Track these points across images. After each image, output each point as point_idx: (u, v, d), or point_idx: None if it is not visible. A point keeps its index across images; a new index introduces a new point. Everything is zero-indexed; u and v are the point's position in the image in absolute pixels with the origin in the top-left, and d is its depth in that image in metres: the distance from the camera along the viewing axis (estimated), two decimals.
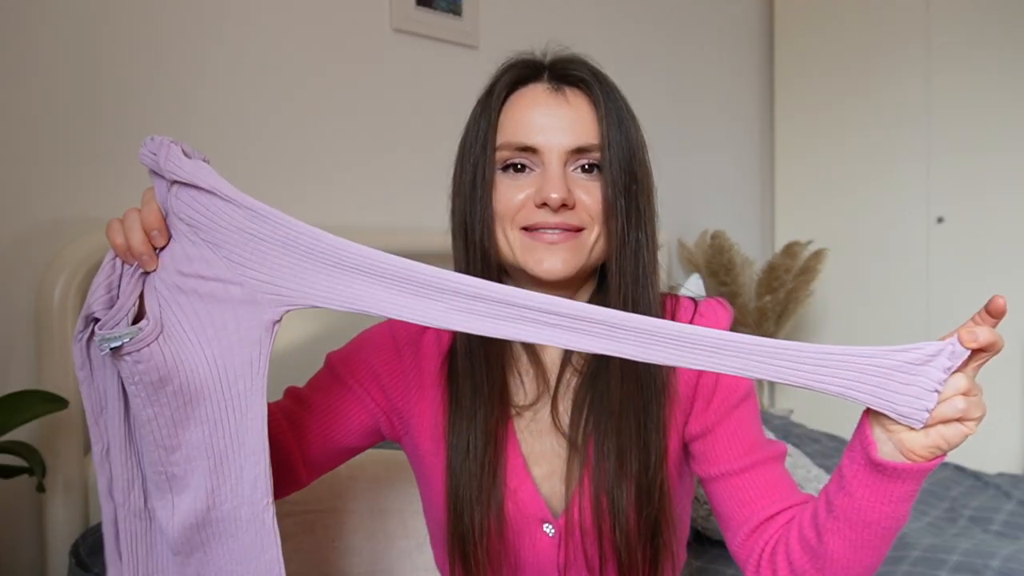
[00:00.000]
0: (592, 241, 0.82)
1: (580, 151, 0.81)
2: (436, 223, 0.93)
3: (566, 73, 0.83)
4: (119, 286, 0.65)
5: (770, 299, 2.52)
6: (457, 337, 0.85)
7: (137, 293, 0.65)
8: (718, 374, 0.85)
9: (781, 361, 0.63)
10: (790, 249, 2.56)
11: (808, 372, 0.63)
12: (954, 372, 0.63)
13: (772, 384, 2.99)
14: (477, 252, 0.82)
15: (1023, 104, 2.49)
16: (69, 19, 1.28)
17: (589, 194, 0.81)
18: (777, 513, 0.81)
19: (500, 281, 0.84)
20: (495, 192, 0.81)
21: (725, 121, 2.87)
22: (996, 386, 2.51)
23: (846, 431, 2.38)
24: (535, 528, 0.86)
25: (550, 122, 0.80)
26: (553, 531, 0.85)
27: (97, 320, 0.65)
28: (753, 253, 2.86)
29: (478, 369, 0.84)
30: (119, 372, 0.67)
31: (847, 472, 0.70)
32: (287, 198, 1.58)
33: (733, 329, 0.76)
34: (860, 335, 2.80)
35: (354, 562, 1.12)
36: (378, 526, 1.15)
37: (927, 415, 0.63)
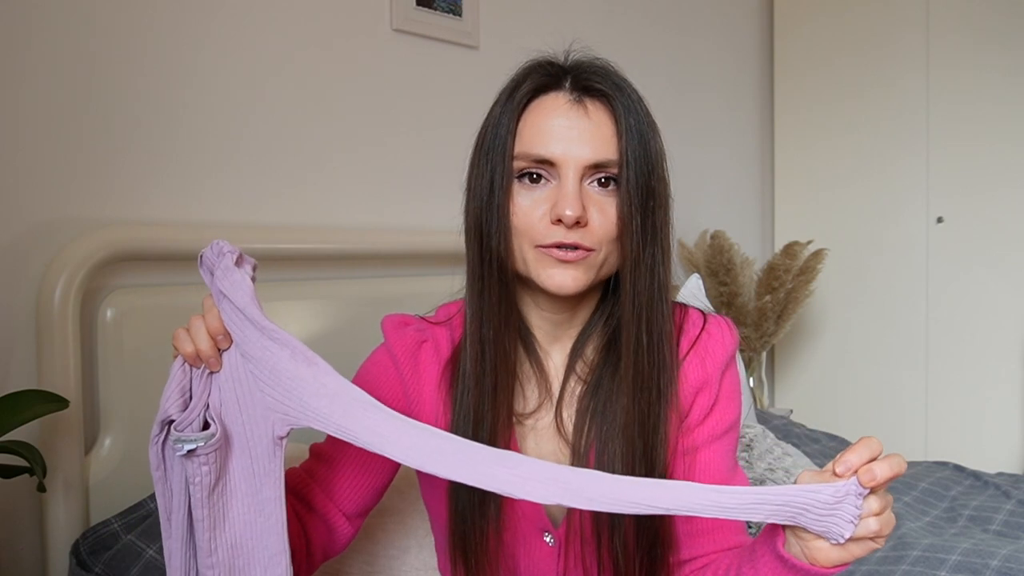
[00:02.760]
0: (602, 260, 0.81)
1: (598, 166, 0.80)
2: (436, 223, 0.93)
3: (588, 84, 0.82)
4: (191, 389, 0.72)
5: (770, 299, 2.52)
6: (468, 341, 0.85)
7: (207, 393, 0.72)
8: (718, 394, 0.87)
9: (706, 502, 0.65)
10: (790, 249, 2.56)
11: (733, 511, 0.64)
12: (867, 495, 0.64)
13: (772, 383, 3.00)
14: (494, 263, 0.82)
15: (1023, 102, 2.49)
16: (67, 19, 1.28)
17: (603, 212, 0.80)
18: (713, 552, 0.84)
19: (513, 291, 0.85)
20: (512, 204, 0.81)
21: (725, 120, 2.87)
22: (996, 386, 2.53)
23: (846, 431, 2.39)
24: (535, 536, 0.86)
25: (569, 134, 0.79)
26: (553, 540, 0.86)
27: (172, 422, 0.71)
28: (753, 253, 2.86)
29: (488, 374, 0.83)
30: (185, 473, 0.72)
31: (758, 550, 0.73)
32: (286, 198, 1.58)
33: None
34: (859, 335, 2.80)
35: (353, 561, 1.12)
36: (378, 526, 1.15)
37: (843, 540, 0.65)
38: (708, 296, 2.27)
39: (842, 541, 0.64)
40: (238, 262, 0.71)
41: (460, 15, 1.87)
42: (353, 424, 0.67)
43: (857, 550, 0.65)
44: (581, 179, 0.80)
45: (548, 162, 0.80)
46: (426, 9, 1.80)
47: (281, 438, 0.72)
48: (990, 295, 2.55)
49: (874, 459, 0.63)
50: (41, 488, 1.05)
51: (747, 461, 1.65)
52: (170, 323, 0.79)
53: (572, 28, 2.19)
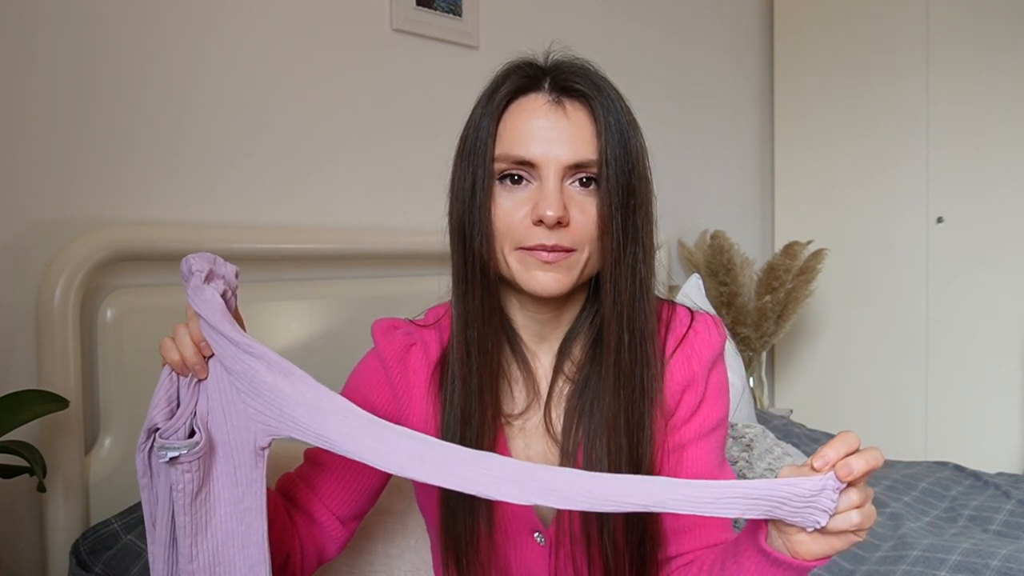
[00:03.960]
0: (584, 260, 0.81)
1: (578, 166, 0.80)
2: (436, 224, 0.93)
3: (567, 84, 0.82)
4: (178, 397, 0.73)
5: (770, 299, 2.52)
6: (454, 342, 0.85)
7: (195, 401, 0.73)
8: (704, 392, 0.87)
9: (682, 498, 0.65)
10: (790, 249, 2.56)
11: (709, 506, 0.65)
12: (845, 488, 0.64)
13: (772, 383, 3.00)
14: (476, 265, 0.82)
15: (1023, 103, 2.49)
16: (68, 20, 1.28)
17: (584, 212, 0.80)
18: (699, 549, 0.85)
19: (496, 292, 0.85)
20: (494, 206, 0.81)
21: (725, 121, 2.87)
22: (996, 386, 2.53)
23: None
24: (526, 536, 0.86)
25: (548, 135, 0.79)
26: (544, 540, 0.86)
27: (158, 430, 0.72)
28: (753, 253, 2.86)
29: (474, 375, 0.84)
30: (169, 480, 0.73)
31: (741, 544, 0.73)
32: (287, 198, 1.58)
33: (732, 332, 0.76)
34: (859, 335, 2.80)
35: (354, 561, 1.13)
36: (377, 525, 1.15)
37: (819, 526, 0.65)
38: (708, 296, 2.27)
39: (817, 527, 0.65)
40: (209, 277, 0.72)
41: (460, 15, 1.87)
42: (331, 432, 0.68)
43: (838, 543, 0.65)
44: (562, 179, 0.80)
45: (528, 163, 0.80)
46: (426, 9, 1.80)
47: (263, 448, 0.73)
48: (990, 295, 2.55)
49: (852, 453, 0.64)
50: (41, 488, 1.05)
51: (747, 461, 1.65)
52: (170, 323, 0.79)
53: (572, 28, 2.20)
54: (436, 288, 0.99)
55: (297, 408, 0.70)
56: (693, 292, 2.06)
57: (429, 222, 1.76)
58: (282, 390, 0.70)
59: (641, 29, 2.46)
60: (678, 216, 2.59)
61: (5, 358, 1.21)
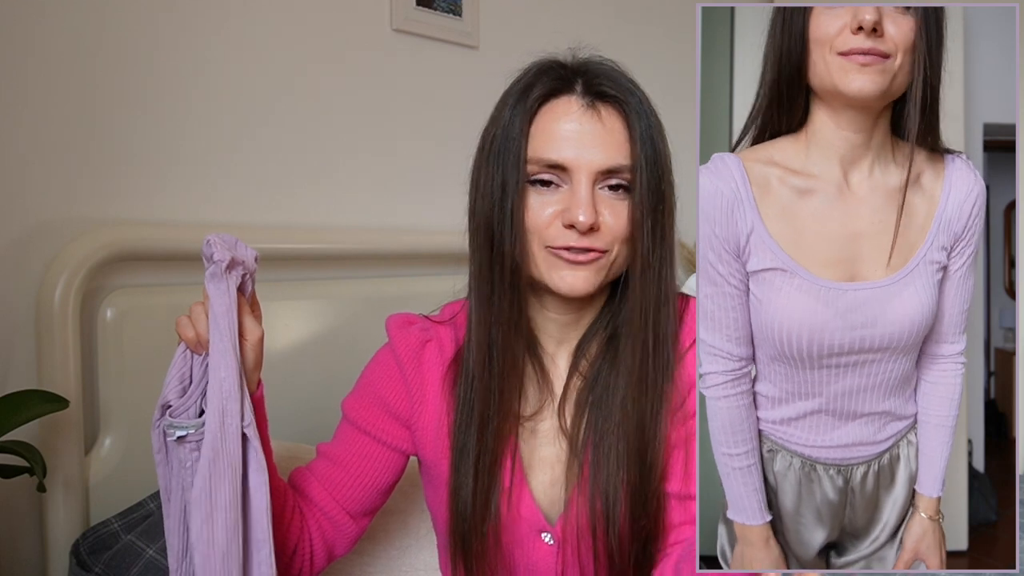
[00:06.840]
0: (613, 260, 0.82)
1: (610, 172, 0.80)
2: (436, 223, 0.93)
3: (601, 89, 0.82)
4: (191, 375, 0.74)
5: None
6: (473, 344, 0.85)
7: (206, 380, 0.73)
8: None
9: None
10: None
11: None
12: None
13: None
14: (507, 267, 0.81)
15: None
16: (68, 20, 1.28)
17: (615, 215, 0.80)
18: (677, 543, 0.85)
19: (524, 295, 0.84)
20: (525, 207, 0.80)
21: None
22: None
23: None
24: (534, 537, 0.86)
25: (582, 139, 0.79)
26: (552, 540, 0.86)
27: (171, 407, 0.73)
28: None
29: (495, 379, 0.83)
30: (178, 457, 0.74)
31: None
32: (287, 198, 1.58)
33: None
34: None
35: (354, 561, 1.13)
36: (379, 525, 1.15)
37: None
38: None
39: None
40: (230, 266, 0.72)
41: (460, 15, 1.87)
42: (200, 500, 0.70)
43: None
44: (593, 184, 0.79)
45: (560, 167, 0.80)
46: (426, 9, 1.79)
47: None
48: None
49: None
50: (41, 488, 1.05)
51: None
52: (170, 323, 0.79)
53: (573, 29, 2.18)
54: (437, 288, 0.99)
55: (215, 439, 0.71)
56: (693, 292, 2.06)
57: (429, 222, 1.77)
58: (231, 414, 0.72)
59: (643, 29, 2.46)
60: (678, 216, 2.59)
61: (5, 358, 1.21)
